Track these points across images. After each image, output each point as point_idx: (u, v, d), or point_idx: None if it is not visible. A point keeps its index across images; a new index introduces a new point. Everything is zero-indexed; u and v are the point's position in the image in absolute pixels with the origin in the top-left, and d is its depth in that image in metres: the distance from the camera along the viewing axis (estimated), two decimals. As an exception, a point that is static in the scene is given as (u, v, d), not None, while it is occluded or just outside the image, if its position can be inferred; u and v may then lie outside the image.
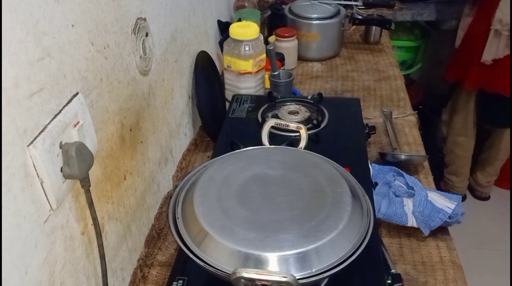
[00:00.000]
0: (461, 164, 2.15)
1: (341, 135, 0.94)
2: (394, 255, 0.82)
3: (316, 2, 1.54)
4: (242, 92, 1.19)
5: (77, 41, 0.56)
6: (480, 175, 2.23)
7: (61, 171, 0.52)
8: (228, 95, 1.20)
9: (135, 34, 0.73)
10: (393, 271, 0.73)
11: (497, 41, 1.71)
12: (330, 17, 1.49)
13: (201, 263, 0.55)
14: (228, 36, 1.16)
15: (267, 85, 1.23)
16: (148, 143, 0.83)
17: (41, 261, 0.51)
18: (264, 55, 1.19)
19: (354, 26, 1.63)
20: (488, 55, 1.73)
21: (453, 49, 1.95)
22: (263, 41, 1.20)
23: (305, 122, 0.95)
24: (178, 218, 0.61)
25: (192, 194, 0.63)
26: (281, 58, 1.33)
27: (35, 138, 0.48)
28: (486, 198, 2.29)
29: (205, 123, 1.11)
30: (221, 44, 1.24)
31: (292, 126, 0.83)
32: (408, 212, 0.84)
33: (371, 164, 0.94)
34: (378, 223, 0.86)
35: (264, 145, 0.81)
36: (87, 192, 0.55)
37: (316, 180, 0.65)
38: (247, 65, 1.16)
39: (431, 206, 0.83)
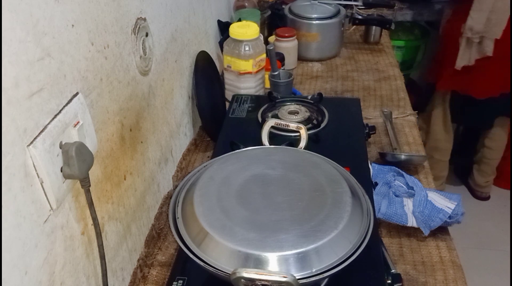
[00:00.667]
0: (440, 169, 2.14)
1: (341, 135, 0.94)
2: (394, 255, 0.82)
3: (316, 2, 1.54)
4: (242, 92, 1.19)
5: (77, 41, 0.56)
6: (477, 175, 2.23)
7: (61, 171, 0.52)
8: (228, 95, 1.20)
9: (135, 34, 0.73)
10: (393, 271, 0.73)
11: (469, 49, 1.72)
12: (330, 17, 1.48)
13: (201, 263, 0.55)
14: (228, 36, 1.16)
15: (267, 85, 1.23)
16: (148, 143, 0.83)
17: (41, 261, 0.51)
18: (264, 55, 1.19)
19: (354, 26, 1.63)
20: (461, 62, 1.75)
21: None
22: (263, 41, 1.19)
23: (305, 122, 0.95)
24: (178, 218, 0.61)
25: (192, 194, 0.63)
26: (281, 58, 1.33)
27: (35, 138, 0.48)
28: (486, 198, 2.29)
29: (205, 123, 1.11)
30: (221, 44, 1.24)
31: (292, 126, 0.83)
32: (408, 212, 0.84)
33: (371, 164, 0.94)
34: (378, 223, 0.86)
35: (264, 145, 0.81)
36: (87, 192, 0.55)
37: (316, 180, 0.65)
38: (247, 65, 1.16)
39: (431, 206, 0.83)
